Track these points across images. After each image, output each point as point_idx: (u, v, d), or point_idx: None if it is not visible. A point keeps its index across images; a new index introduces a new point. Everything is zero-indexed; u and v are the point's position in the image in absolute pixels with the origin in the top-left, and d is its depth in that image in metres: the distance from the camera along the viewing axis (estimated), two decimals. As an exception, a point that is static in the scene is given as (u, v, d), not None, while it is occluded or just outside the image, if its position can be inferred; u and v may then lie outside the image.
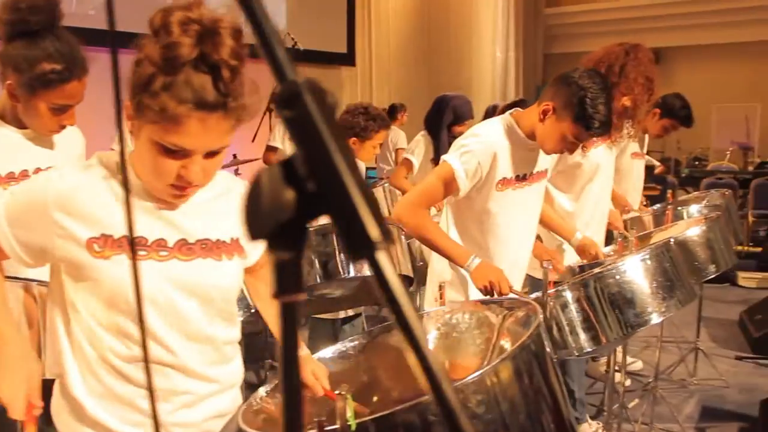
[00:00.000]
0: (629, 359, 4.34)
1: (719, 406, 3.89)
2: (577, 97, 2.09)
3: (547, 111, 2.16)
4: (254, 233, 0.46)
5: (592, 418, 3.54)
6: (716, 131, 10.51)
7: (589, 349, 2.00)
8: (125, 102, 1.21)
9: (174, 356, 1.34)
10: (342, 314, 3.19)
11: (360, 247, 0.44)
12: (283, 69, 0.46)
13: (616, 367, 3.35)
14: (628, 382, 4.06)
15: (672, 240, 2.21)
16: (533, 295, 2.09)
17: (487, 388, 1.20)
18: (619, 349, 4.30)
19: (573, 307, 2.00)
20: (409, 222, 2.21)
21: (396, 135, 6.83)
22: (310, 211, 0.45)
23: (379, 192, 5.08)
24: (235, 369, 1.49)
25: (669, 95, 3.96)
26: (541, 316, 1.35)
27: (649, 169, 7.75)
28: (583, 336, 1.98)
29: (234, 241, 1.41)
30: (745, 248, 7.67)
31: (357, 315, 3.35)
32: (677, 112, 3.89)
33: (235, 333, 1.48)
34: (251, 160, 5.68)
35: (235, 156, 5.78)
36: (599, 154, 2.85)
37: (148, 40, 1.17)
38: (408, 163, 4.66)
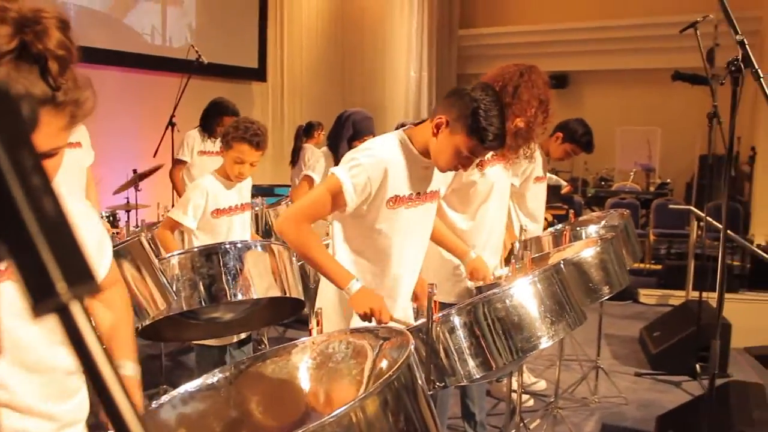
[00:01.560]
0: (533, 379, 4.36)
1: (618, 423, 3.93)
2: (470, 109, 2.04)
3: (440, 124, 2.10)
4: None
5: (494, 440, 3.51)
6: (620, 153, 10.88)
7: (478, 375, 1.93)
8: None
9: (6, 392, 1.19)
10: (231, 339, 3.04)
11: (41, 299, 0.33)
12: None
13: (517, 388, 3.35)
14: (530, 402, 4.08)
15: (562, 262, 2.19)
16: (419, 321, 2.02)
17: (352, 425, 1.11)
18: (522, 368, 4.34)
19: (460, 333, 1.93)
20: (290, 236, 2.10)
21: (311, 152, 6.72)
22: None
23: (282, 210, 4.98)
24: (79, 403, 1.34)
25: (572, 120, 4.02)
26: (413, 346, 1.27)
27: (555, 188, 7.95)
28: (471, 362, 1.92)
29: None
30: (647, 266, 7.93)
31: (247, 340, 3.21)
32: (579, 138, 3.95)
33: None
34: (154, 170, 5.44)
35: (135, 171, 5.54)
36: (495, 174, 2.82)
37: None
38: (309, 180, 4.57)
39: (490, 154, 2.76)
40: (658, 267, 7.59)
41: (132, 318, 1.56)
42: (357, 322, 2.08)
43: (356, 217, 2.13)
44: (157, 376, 4.09)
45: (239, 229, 3.13)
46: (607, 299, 6.48)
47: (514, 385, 4.14)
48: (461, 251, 2.69)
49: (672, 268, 7.08)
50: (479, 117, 2.03)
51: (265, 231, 4.77)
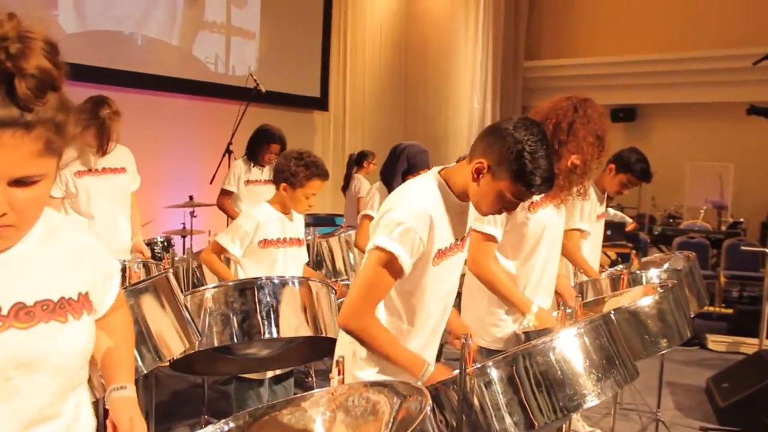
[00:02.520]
0: (588, 428, 4.13)
1: (680, 482, 3.67)
2: (514, 153, 1.85)
3: (480, 170, 1.91)
4: None
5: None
6: (690, 189, 10.47)
7: (516, 434, 1.79)
8: None
9: None
10: (270, 374, 2.95)
11: None
12: None
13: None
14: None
15: (613, 312, 2.03)
16: (454, 372, 1.88)
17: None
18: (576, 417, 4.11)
19: (497, 387, 1.78)
20: (355, 331, 1.92)
21: (359, 183, 6.67)
22: None
23: (334, 242, 4.90)
24: None
25: (624, 150, 3.82)
26: (429, 408, 1.15)
27: (620, 225, 7.69)
28: (508, 419, 1.77)
29: (82, 296, 1.21)
30: (716, 309, 7.53)
31: (289, 374, 3.13)
32: (633, 167, 3.74)
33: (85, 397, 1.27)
34: (208, 204, 5.50)
35: (191, 197, 5.60)
36: (546, 215, 2.67)
37: None
38: (368, 219, 4.48)
39: (539, 195, 2.61)
40: (729, 311, 7.18)
41: (133, 338, 1.52)
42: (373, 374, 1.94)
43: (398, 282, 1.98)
44: (200, 405, 4.04)
45: (284, 262, 3.06)
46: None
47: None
48: (523, 304, 2.56)
49: (744, 313, 6.70)
50: (525, 160, 1.85)
51: (316, 262, 4.70)
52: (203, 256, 3.16)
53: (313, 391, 1.53)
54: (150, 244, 4.81)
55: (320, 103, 8.95)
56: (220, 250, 3.05)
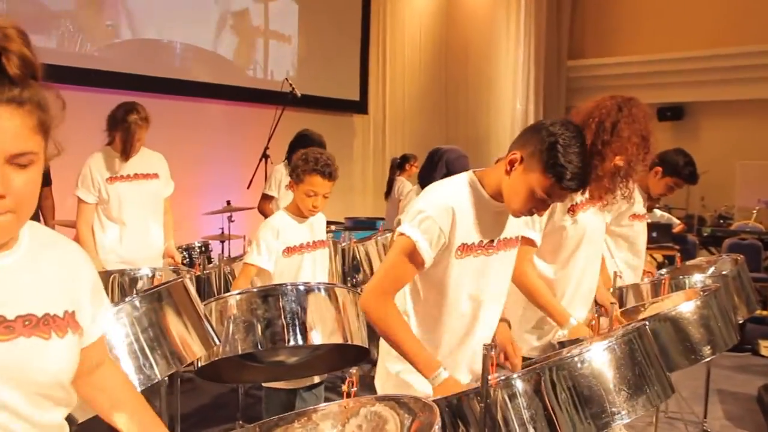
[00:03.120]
0: (632, 438, 3.99)
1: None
2: (547, 144, 1.84)
3: (513, 161, 1.90)
4: None
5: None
6: (741, 189, 10.12)
7: (543, 450, 1.70)
8: None
9: None
10: (303, 381, 2.90)
11: None
12: None
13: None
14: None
15: (648, 321, 1.92)
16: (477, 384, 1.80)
17: None
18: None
19: (522, 401, 1.70)
20: (372, 314, 1.94)
21: (402, 186, 6.69)
22: None
23: (371, 245, 4.84)
24: None
25: (670, 151, 3.67)
26: (438, 426, 1.08)
27: (667, 227, 7.45)
28: (533, 434, 1.69)
29: (68, 315, 1.17)
30: (769, 314, 7.24)
31: (319, 383, 3.07)
32: (681, 170, 3.59)
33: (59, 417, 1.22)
34: (246, 208, 5.51)
35: (228, 202, 5.62)
36: (588, 219, 2.56)
37: None
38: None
39: (582, 198, 2.51)
40: (783, 316, 6.89)
41: (141, 397, 1.42)
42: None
43: (422, 273, 1.96)
44: (234, 411, 4.03)
45: (311, 268, 3.00)
46: (723, 351, 5.96)
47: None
48: (561, 315, 2.47)
49: (799, 318, 6.42)
50: (557, 153, 1.83)
51: (352, 267, 4.65)
52: (238, 285, 3.06)
53: (325, 404, 1.48)
54: (187, 249, 4.83)
55: (359, 106, 8.92)
56: (249, 273, 2.94)
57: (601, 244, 2.73)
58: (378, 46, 9.15)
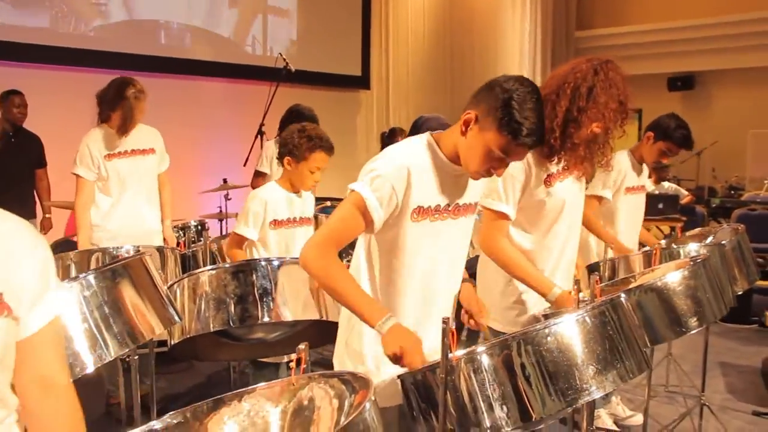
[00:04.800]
0: (628, 412, 3.93)
1: (727, 470, 3.44)
2: (501, 101, 1.77)
3: (468, 121, 1.83)
4: None
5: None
6: (753, 159, 9.94)
7: (508, 428, 1.63)
8: None
9: None
10: (286, 357, 2.86)
11: None
12: None
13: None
14: (622, 439, 3.66)
15: (623, 295, 1.84)
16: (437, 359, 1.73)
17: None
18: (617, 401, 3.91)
19: (488, 375, 1.63)
20: (311, 266, 1.85)
21: None
22: None
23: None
24: None
25: (662, 116, 3.57)
26: (369, 403, 1.02)
27: (674, 198, 7.33)
28: (499, 411, 1.62)
29: None
30: (778, 285, 7.12)
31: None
32: (672, 134, 3.48)
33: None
34: (242, 186, 5.46)
35: (225, 180, 5.57)
36: (565, 189, 2.47)
37: None
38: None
39: (557, 167, 2.43)
40: (792, 287, 6.75)
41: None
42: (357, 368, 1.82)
43: (378, 234, 1.89)
44: (226, 389, 4.00)
45: (300, 244, 2.96)
46: (727, 322, 5.85)
47: (603, 420, 3.75)
48: (544, 285, 2.40)
49: (809, 289, 6.28)
50: (512, 109, 1.76)
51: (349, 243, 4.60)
52: (226, 252, 3.11)
53: (273, 381, 1.43)
54: (184, 228, 4.80)
55: (362, 81, 8.80)
56: (240, 240, 2.98)
57: (580, 215, 2.64)
58: (380, 18, 9.01)
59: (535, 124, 1.77)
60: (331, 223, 1.90)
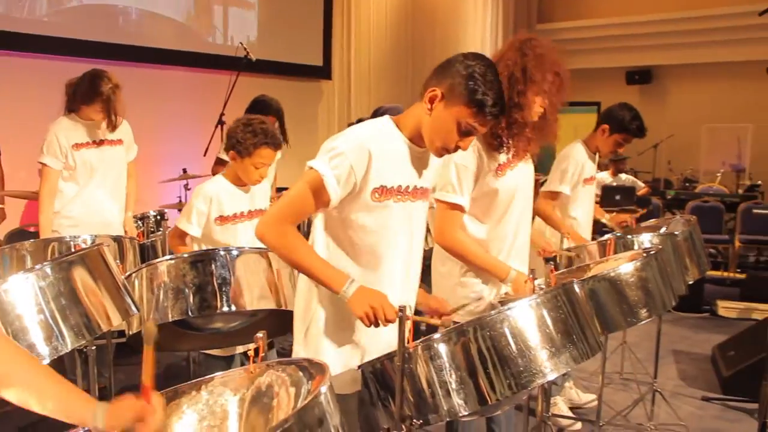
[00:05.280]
0: (588, 397, 4.02)
1: (677, 454, 3.55)
2: (466, 75, 1.83)
3: (434, 98, 1.86)
4: None
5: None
6: (707, 152, 10.18)
7: (466, 412, 1.67)
8: None
9: None
10: (241, 348, 2.85)
11: None
12: None
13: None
14: (578, 426, 3.74)
15: (576, 282, 1.89)
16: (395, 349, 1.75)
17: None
18: (571, 388, 3.98)
19: (445, 362, 1.66)
20: (270, 240, 1.87)
21: None
22: None
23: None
24: None
25: (614, 107, 3.64)
26: (324, 387, 1.04)
27: (631, 189, 7.47)
28: (455, 397, 1.66)
29: None
30: (730, 274, 7.34)
31: (268, 346, 3.03)
32: (628, 125, 3.55)
33: None
34: (202, 176, 5.41)
35: (185, 170, 5.51)
36: (516, 176, 2.51)
37: None
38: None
39: (507, 156, 2.47)
40: (743, 276, 6.97)
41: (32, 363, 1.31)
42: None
43: (338, 212, 1.89)
44: (185, 380, 3.98)
45: (246, 238, 2.92)
46: (680, 311, 6.00)
47: (560, 407, 3.82)
48: (500, 270, 2.45)
49: (758, 279, 6.48)
50: (477, 82, 1.82)
51: (307, 234, 4.59)
52: (169, 244, 3.06)
53: (231, 370, 1.44)
54: (143, 218, 4.74)
55: (323, 71, 8.77)
56: (181, 234, 2.92)
57: (530, 199, 2.68)
58: (342, 9, 8.97)
59: (498, 93, 1.84)
60: (288, 198, 1.91)
